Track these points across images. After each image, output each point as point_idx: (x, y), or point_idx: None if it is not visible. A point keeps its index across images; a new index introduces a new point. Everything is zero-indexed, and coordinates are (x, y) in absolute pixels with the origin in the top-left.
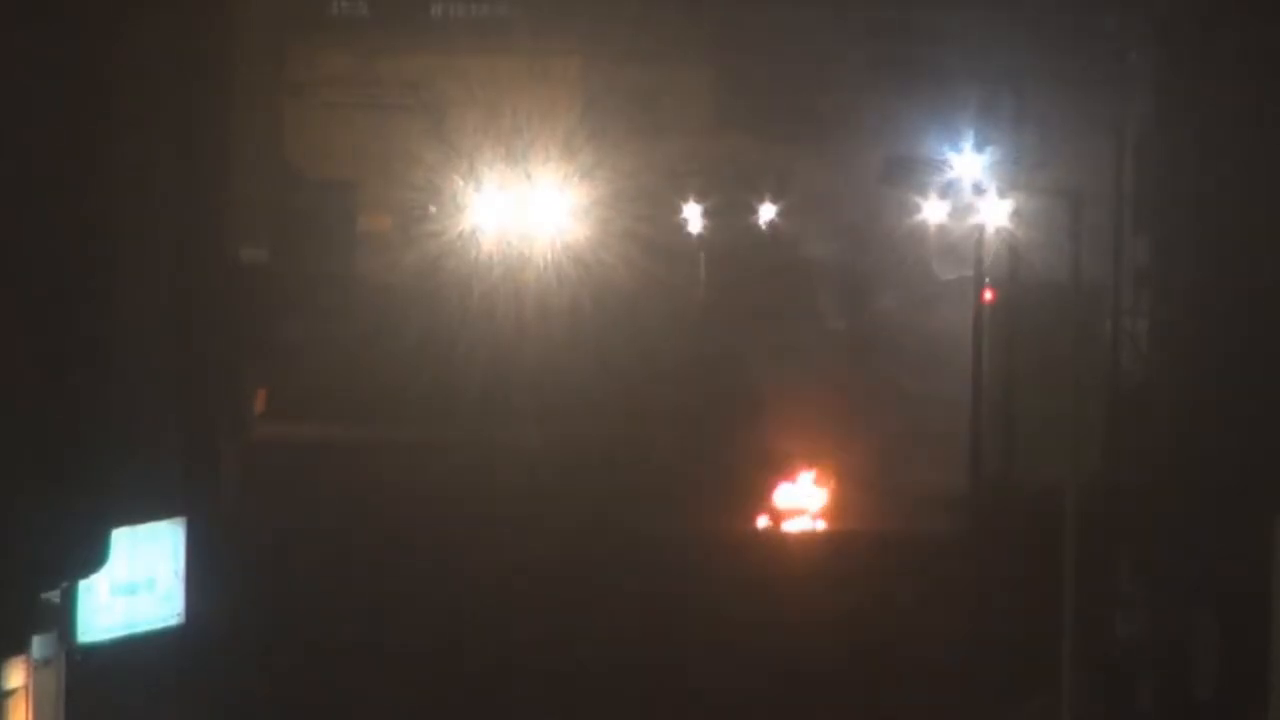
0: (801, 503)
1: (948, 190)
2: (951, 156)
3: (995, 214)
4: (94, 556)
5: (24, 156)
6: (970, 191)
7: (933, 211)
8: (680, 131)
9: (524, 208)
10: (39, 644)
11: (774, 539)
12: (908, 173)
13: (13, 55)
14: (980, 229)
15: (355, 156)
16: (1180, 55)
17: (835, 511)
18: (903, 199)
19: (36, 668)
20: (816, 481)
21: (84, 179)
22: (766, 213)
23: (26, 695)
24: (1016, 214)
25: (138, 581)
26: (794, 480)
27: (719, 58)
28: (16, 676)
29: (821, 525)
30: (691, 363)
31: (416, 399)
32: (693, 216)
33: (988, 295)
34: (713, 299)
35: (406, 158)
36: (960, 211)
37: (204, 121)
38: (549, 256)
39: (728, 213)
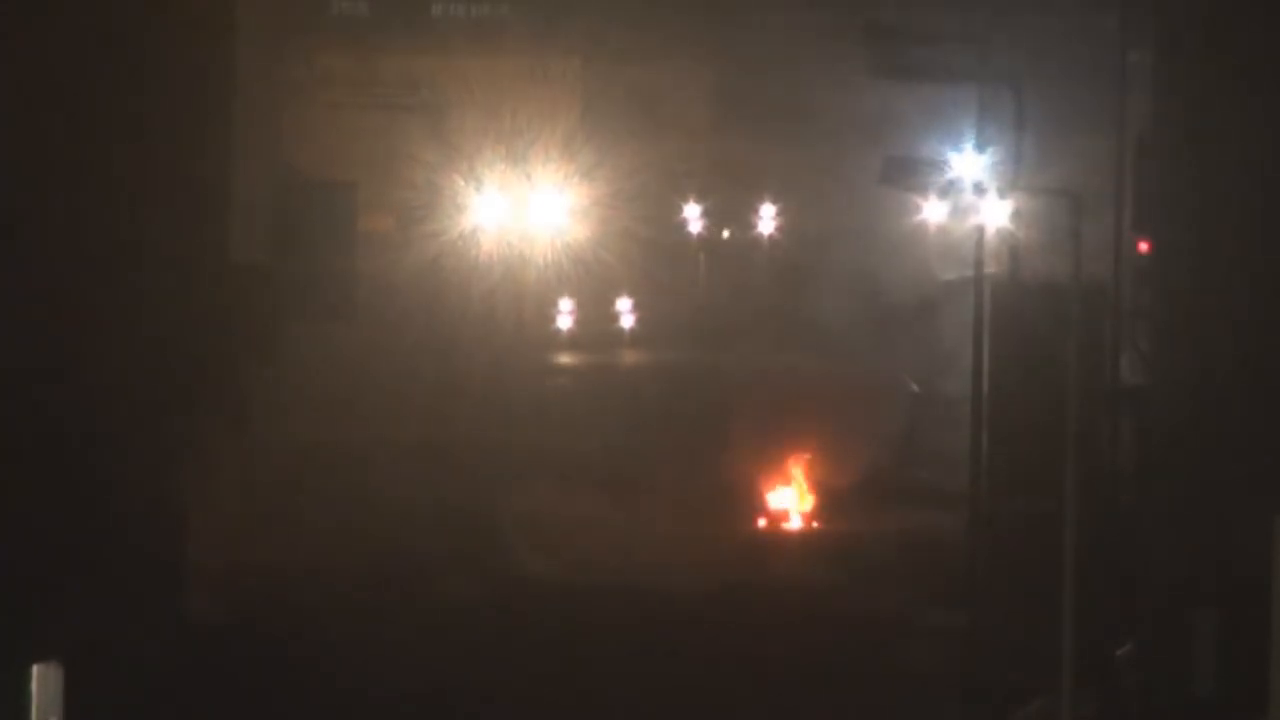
0: (795, 503)
1: (948, 190)
2: (951, 156)
3: (995, 214)
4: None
5: (25, 157)
6: (970, 191)
7: (933, 211)
8: (680, 131)
9: (524, 208)
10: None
11: (768, 539)
12: (908, 173)
13: (14, 56)
14: (980, 229)
15: (355, 156)
16: (1180, 55)
17: (830, 511)
18: (903, 199)
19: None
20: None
21: (84, 180)
22: (766, 213)
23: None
24: (1017, 214)
25: None
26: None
27: (719, 58)
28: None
29: (816, 525)
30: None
31: (416, 400)
32: (692, 217)
33: (1143, 247)
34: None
35: (406, 158)
36: (960, 211)
37: (204, 121)
38: (549, 256)
39: (727, 213)
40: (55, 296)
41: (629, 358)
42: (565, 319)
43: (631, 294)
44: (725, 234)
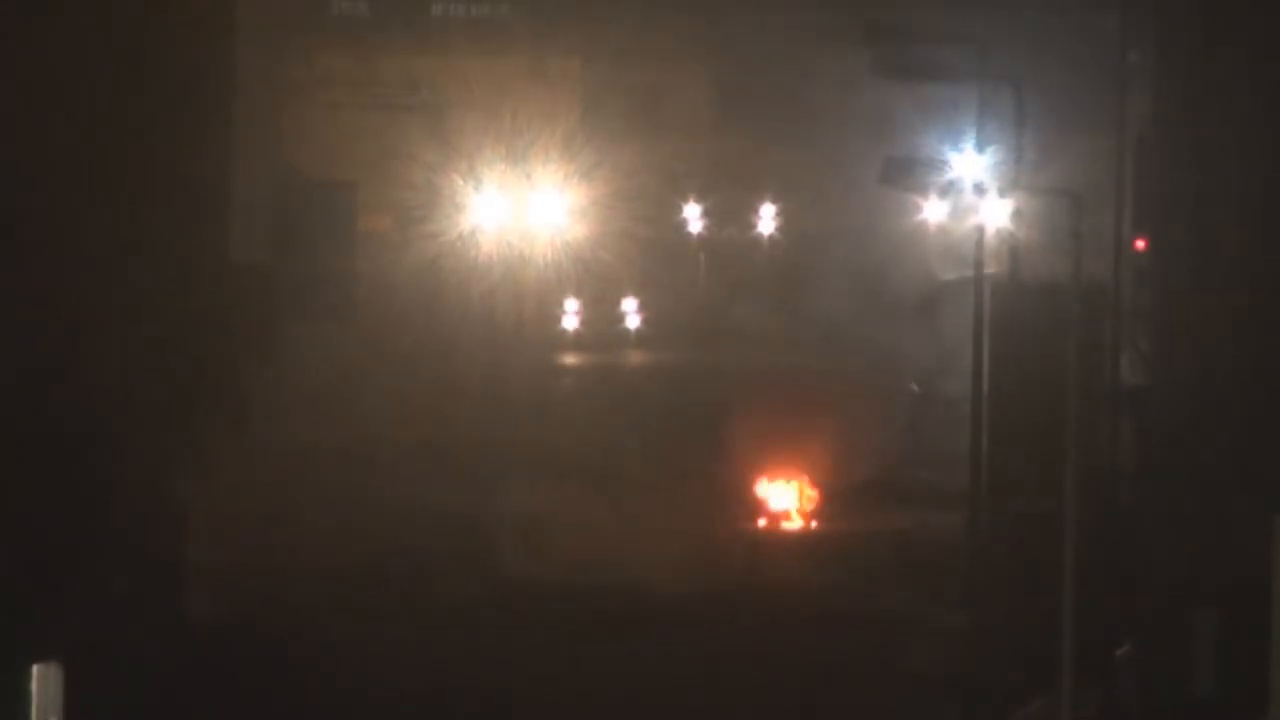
0: (795, 503)
1: (948, 190)
2: (951, 156)
3: (995, 214)
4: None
5: (25, 157)
6: (970, 191)
7: (933, 211)
8: (680, 132)
9: (524, 208)
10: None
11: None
12: (908, 173)
13: (14, 56)
14: (980, 229)
15: (355, 156)
16: (1180, 55)
17: (830, 511)
18: (903, 199)
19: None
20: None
21: (84, 179)
22: (766, 213)
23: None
24: (1017, 214)
25: None
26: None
27: (719, 58)
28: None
29: (816, 525)
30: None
31: (416, 400)
32: (692, 217)
33: (1140, 245)
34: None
35: (406, 158)
36: (960, 211)
37: (204, 121)
38: (549, 256)
39: (727, 213)
40: (55, 296)
41: (632, 358)
42: (569, 319)
43: (636, 294)
44: (725, 234)
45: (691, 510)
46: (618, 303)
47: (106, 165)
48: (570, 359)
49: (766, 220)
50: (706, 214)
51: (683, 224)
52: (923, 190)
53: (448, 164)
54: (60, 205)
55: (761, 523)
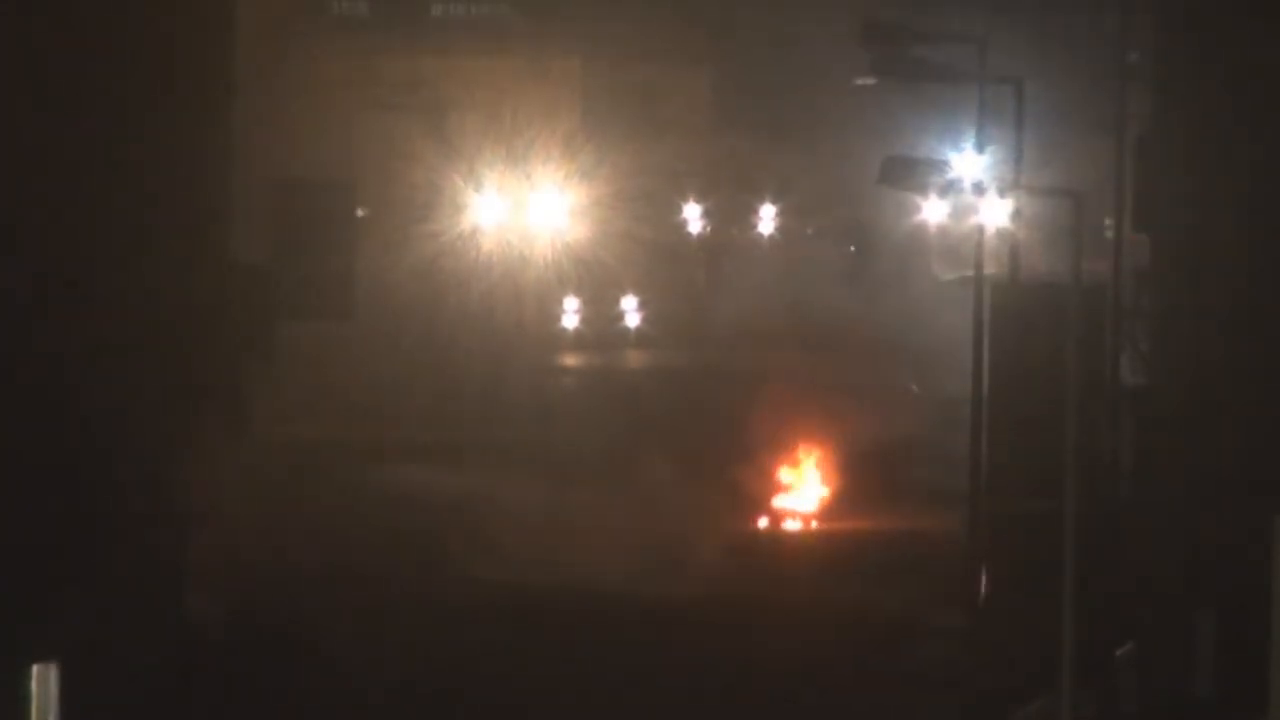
0: (795, 503)
1: (948, 190)
2: (951, 156)
3: (995, 214)
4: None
5: (24, 157)
6: (970, 191)
7: (933, 211)
8: (680, 131)
9: (524, 208)
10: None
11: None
12: (908, 173)
13: (12, 54)
14: (980, 229)
15: (355, 156)
16: (1180, 55)
17: (831, 511)
18: (903, 199)
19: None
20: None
21: (83, 179)
22: (766, 213)
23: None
24: (1017, 214)
25: None
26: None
27: (718, 58)
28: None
29: (816, 525)
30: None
31: (416, 400)
32: (692, 217)
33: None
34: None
35: (406, 158)
36: (960, 211)
37: (204, 121)
38: (549, 256)
39: (728, 213)
40: (55, 296)
41: (632, 357)
42: (569, 318)
43: (636, 293)
44: (725, 234)
45: (691, 509)
46: (617, 302)
47: (106, 165)
48: (570, 358)
49: (766, 220)
50: (706, 214)
51: (683, 224)
52: (923, 190)
53: (448, 164)
54: (59, 205)
55: (762, 523)
